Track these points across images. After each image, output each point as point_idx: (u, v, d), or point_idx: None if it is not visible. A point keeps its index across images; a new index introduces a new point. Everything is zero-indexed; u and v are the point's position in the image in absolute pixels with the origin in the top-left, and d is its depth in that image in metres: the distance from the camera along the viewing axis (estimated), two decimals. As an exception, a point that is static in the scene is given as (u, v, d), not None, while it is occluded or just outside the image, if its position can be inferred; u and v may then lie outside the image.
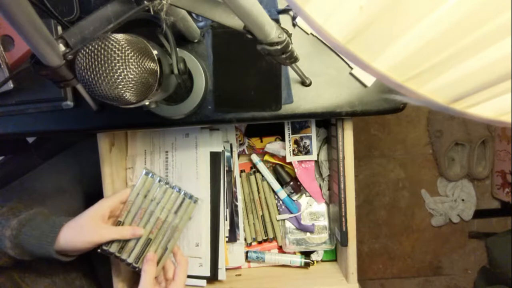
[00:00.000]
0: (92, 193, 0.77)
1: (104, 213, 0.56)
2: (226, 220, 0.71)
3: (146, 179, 0.62)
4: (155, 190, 0.62)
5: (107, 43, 0.36)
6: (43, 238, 0.52)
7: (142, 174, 0.62)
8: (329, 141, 0.71)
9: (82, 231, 0.54)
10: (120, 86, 0.37)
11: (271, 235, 0.76)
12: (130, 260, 0.59)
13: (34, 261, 0.59)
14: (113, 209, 0.58)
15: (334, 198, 0.68)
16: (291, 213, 0.74)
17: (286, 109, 0.59)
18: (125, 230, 0.58)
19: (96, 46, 0.36)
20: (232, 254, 0.74)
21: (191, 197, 0.63)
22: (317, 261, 0.77)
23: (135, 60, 0.37)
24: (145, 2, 0.40)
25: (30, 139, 0.87)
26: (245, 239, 0.76)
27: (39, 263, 0.60)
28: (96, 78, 0.37)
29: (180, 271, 0.59)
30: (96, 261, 0.76)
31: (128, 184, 0.73)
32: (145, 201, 0.61)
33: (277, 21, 0.53)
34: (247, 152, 0.76)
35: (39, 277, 0.60)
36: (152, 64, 0.39)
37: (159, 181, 0.62)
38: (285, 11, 0.59)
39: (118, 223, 0.60)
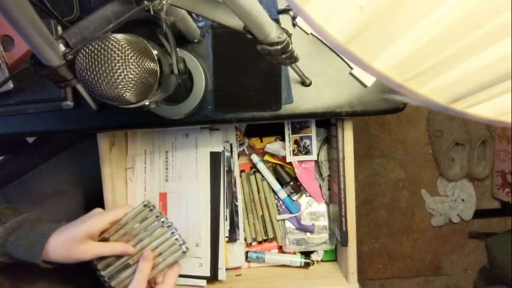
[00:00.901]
0: (92, 193, 0.77)
1: (95, 233, 0.54)
2: (226, 220, 0.71)
3: (143, 211, 0.58)
4: (150, 223, 0.58)
5: (107, 43, 0.36)
6: (30, 249, 0.50)
7: (140, 205, 0.58)
8: (329, 141, 0.71)
9: (70, 251, 0.51)
10: (120, 86, 0.37)
11: (271, 235, 0.76)
12: (104, 273, 0.56)
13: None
14: (104, 229, 0.56)
15: (334, 198, 0.68)
16: (291, 213, 0.74)
17: (286, 109, 0.59)
18: (117, 246, 0.55)
19: (96, 46, 0.36)
20: (232, 254, 0.74)
21: (182, 244, 0.58)
22: (317, 261, 0.77)
23: (135, 60, 0.37)
24: (145, 2, 0.40)
25: (30, 139, 0.87)
26: (245, 239, 0.76)
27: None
28: (96, 78, 0.37)
29: (171, 274, 0.57)
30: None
31: (128, 185, 0.73)
32: (136, 228, 0.58)
33: (277, 21, 0.53)
34: (247, 152, 0.76)
35: (37, 276, 0.59)
36: (152, 64, 0.39)
37: (157, 216, 0.58)
38: (285, 11, 0.59)
39: (104, 239, 0.57)
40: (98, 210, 0.58)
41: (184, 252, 0.57)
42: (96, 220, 0.54)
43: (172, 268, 0.57)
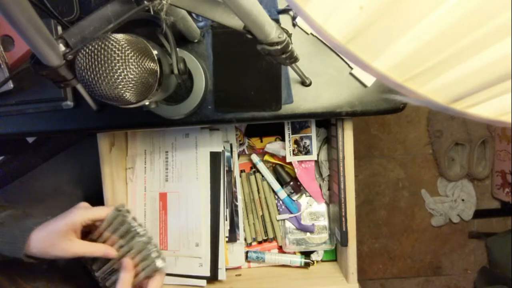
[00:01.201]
0: (92, 194, 0.77)
1: (77, 227, 0.52)
2: (226, 220, 0.71)
3: (117, 216, 0.54)
4: (126, 229, 0.54)
5: (107, 43, 0.36)
6: (12, 243, 0.50)
7: (114, 210, 0.54)
8: (329, 141, 0.71)
9: (53, 246, 0.50)
10: (120, 86, 0.37)
11: (271, 235, 0.76)
12: (98, 274, 0.56)
13: None
14: (85, 225, 0.54)
15: (334, 198, 0.68)
16: (291, 213, 0.74)
17: (286, 109, 0.59)
18: (100, 248, 0.53)
19: (96, 46, 0.36)
20: (232, 254, 0.74)
21: (157, 257, 0.53)
22: (317, 261, 0.77)
23: (135, 60, 0.37)
24: (145, 2, 0.40)
25: (30, 139, 0.87)
26: (245, 239, 0.76)
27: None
28: (96, 78, 0.37)
29: (154, 284, 0.54)
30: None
31: (128, 185, 0.73)
32: (117, 233, 0.55)
33: (277, 21, 0.53)
34: (247, 152, 0.76)
35: (37, 274, 0.59)
36: (152, 64, 0.39)
37: (130, 224, 0.54)
38: (285, 11, 0.59)
39: (90, 240, 0.55)
40: (82, 204, 0.57)
41: (159, 267, 0.53)
42: (77, 213, 0.53)
43: (154, 277, 0.55)
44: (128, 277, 0.53)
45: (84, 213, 0.53)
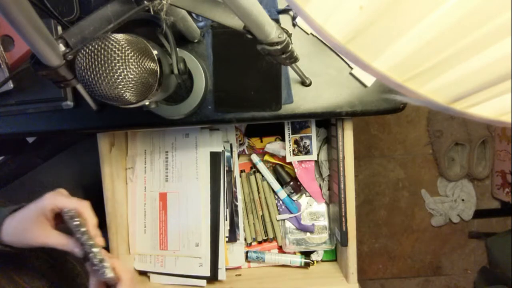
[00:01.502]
0: (92, 194, 0.77)
1: (46, 212, 0.50)
2: (226, 220, 0.71)
3: (68, 220, 0.50)
4: (77, 236, 0.49)
5: (107, 43, 0.36)
6: None
7: (66, 214, 0.50)
8: (329, 141, 0.71)
9: (24, 231, 0.49)
10: (120, 86, 0.37)
11: (271, 235, 0.76)
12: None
13: (32, 259, 0.59)
14: (55, 210, 0.52)
15: (334, 198, 0.68)
16: (291, 213, 0.74)
17: (286, 109, 0.59)
18: (67, 243, 0.50)
19: (96, 46, 0.36)
20: (232, 254, 0.74)
21: (102, 269, 0.48)
22: (317, 261, 0.77)
23: (135, 60, 0.37)
24: (145, 2, 0.40)
25: (30, 139, 0.87)
26: (245, 239, 0.76)
27: (36, 260, 0.60)
28: (96, 78, 0.37)
29: None
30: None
31: (128, 185, 0.73)
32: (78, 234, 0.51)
33: (277, 21, 0.53)
34: (247, 152, 0.76)
35: (37, 275, 0.60)
36: (152, 64, 0.39)
37: (75, 230, 0.49)
38: (285, 11, 0.59)
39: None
40: (59, 190, 0.54)
41: (109, 277, 0.48)
42: (47, 197, 0.51)
43: (120, 281, 0.51)
44: (94, 281, 0.51)
45: (54, 198, 0.51)
